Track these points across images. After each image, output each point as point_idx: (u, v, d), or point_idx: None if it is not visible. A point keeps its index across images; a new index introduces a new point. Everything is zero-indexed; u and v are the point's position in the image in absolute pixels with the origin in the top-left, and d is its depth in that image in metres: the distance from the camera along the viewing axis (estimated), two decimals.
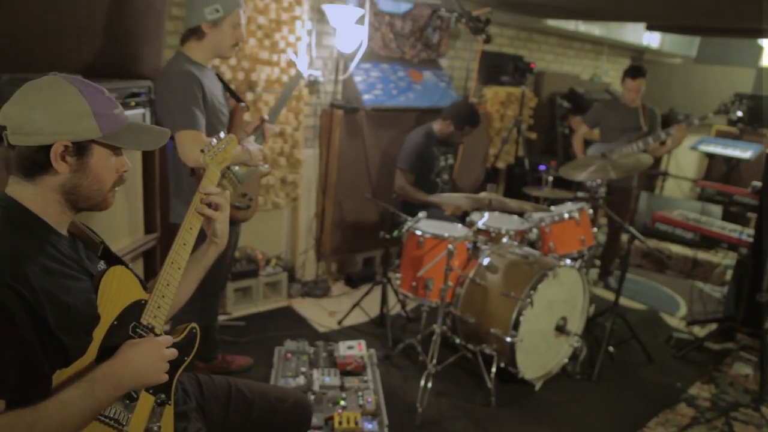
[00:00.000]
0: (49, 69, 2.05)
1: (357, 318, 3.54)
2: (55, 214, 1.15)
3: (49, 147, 1.09)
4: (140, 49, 2.57)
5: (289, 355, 2.81)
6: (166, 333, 1.29)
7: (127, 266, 1.26)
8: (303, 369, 2.70)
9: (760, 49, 6.77)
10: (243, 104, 2.50)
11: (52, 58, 2.24)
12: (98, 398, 1.08)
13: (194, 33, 2.29)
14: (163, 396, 1.28)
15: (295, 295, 3.80)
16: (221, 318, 3.29)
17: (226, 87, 2.50)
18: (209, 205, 1.40)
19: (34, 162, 1.10)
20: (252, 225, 3.39)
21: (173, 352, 1.25)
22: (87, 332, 1.13)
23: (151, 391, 1.25)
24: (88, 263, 1.21)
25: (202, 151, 1.45)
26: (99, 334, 1.14)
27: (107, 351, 1.15)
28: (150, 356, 1.18)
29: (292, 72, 2.92)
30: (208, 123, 2.26)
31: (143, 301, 1.25)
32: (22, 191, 1.13)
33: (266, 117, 2.58)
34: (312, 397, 2.49)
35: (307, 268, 4.04)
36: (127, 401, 1.19)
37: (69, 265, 1.13)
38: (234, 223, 2.49)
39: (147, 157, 2.69)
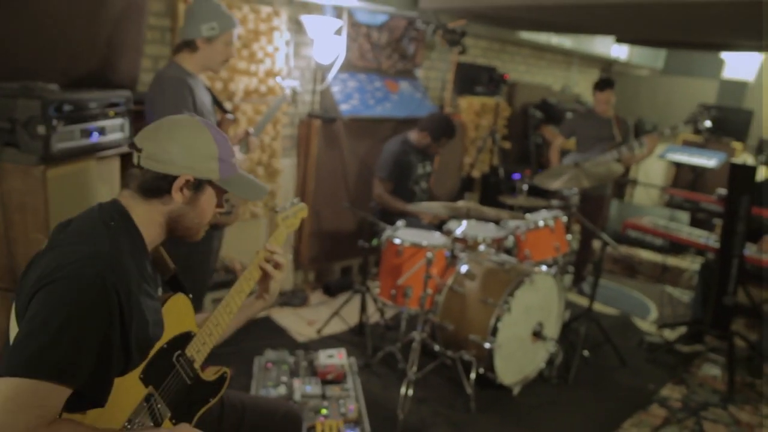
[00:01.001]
0: (26, 77, 2.05)
1: (336, 327, 3.55)
2: (153, 234, 1.26)
3: (173, 177, 1.22)
4: (119, 59, 2.56)
5: (269, 364, 2.81)
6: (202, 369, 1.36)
7: (189, 297, 1.32)
8: (284, 378, 2.70)
9: (721, 62, 7.03)
10: (231, 116, 2.56)
11: (28, 66, 2.22)
12: None
13: (188, 45, 2.36)
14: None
15: (274, 304, 3.79)
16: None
17: (214, 99, 2.55)
18: (270, 262, 1.48)
19: (156, 186, 1.22)
20: (230, 235, 3.39)
21: None
22: (149, 349, 1.19)
23: (173, 421, 1.28)
24: (156, 285, 1.29)
25: (276, 211, 1.56)
26: (149, 354, 1.20)
27: (149, 371, 1.20)
28: None
29: (285, 93, 3.02)
30: None
31: (192, 334, 1.32)
32: (135, 206, 1.23)
33: (251, 130, 2.62)
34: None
35: (285, 278, 4.02)
36: None
37: (149, 284, 1.21)
38: (217, 227, 2.51)
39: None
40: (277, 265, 1.49)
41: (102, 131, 2.27)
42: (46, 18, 2.24)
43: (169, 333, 1.24)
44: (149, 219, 1.24)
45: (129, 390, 1.17)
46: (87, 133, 2.19)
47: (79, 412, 1.07)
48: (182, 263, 1.46)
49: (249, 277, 1.45)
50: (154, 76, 2.37)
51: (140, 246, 1.22)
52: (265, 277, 1.50)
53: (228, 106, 3.30)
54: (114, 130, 2.34)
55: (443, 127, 3.72)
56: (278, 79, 3.38)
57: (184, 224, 1.28)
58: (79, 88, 2.29)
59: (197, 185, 1.25)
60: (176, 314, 1.27)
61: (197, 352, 1.32)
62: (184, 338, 1.29)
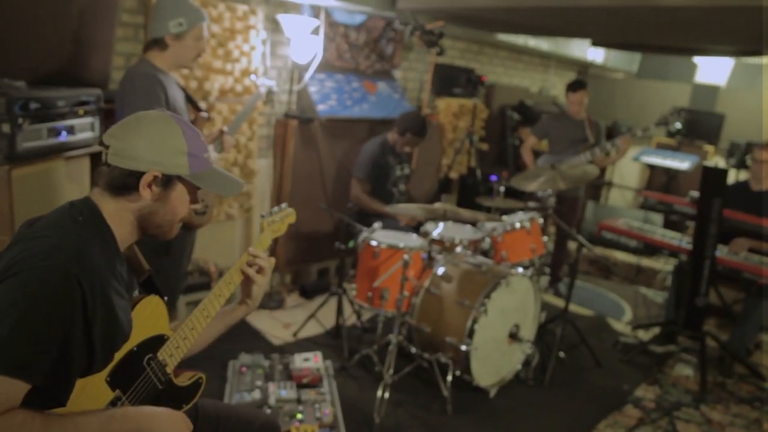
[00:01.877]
0: None
1: (312, 330, 3.51)
2: (124, 233, 1.23)
3: (140, 173, 1.18)
4: (89, 56, 2.50)
5: (243, 368, 2.77)
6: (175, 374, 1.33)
7: (164, 300, 1.29)
8: (258, 383, 2.66)
9: (694, 66, 7.16)
10: (205, 114, 2.52)
11: None
12: None
13: (157, 43, 2.31)
14: None
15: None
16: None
17: (187, 96, 2.50)
18: (252, 267, 1.45)
19: (124, 183, 1.19)
20: (205, 236, 3.34)
21: (190, 427, 1.26)
22: (115, 349, 1.16)
23: None
24: (131, 286, 1.26)
25: (262, 216, 1.54)
26: (118, 356, 1.17)
27: (116, 374, 1.17)
28: (175, 426, 1.20)
29: (259, 91, 2.98)
30: None
31: (166, 337, 1.29)
32: (105, 204, 1.20)
33: (226, 128, 2.58)
34: (268, 411, 2.45)
35: None
36: None
37: (120, 282, 1.18)
38: (189, 228, 2.47)
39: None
40: (260, 270, 1.46)
41: (71, 130, 2.21)
42: (13, 14, 2.18)
43: (140, 335, 1.21)
44: (119, 217, 1.21)
45: (95, 393, 1.14)
46: (55, 132, 2.13)
47: (39, 410, 1.04)
48: (154, 265, 1.42)
49: (229, 281, 1.42)
50: (124, 73, 2.31)
51: (111, 243, 1.19)
52: (248, 281, 1.46)
53: (203, 105, 3.24)
54: (83, 129, 2.29)
55: (409, 123, 3.70)
56: (253, 77, 3.33)
57: (155, 222, 1.25)
58: (47, 86, 2.23)
59: (166, 181, 1.22)
60: (149, 316, 1.24)
61: (170, 356, 1.29)
62: (157, 341, 1.26)
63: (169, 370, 1.30)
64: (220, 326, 1.49)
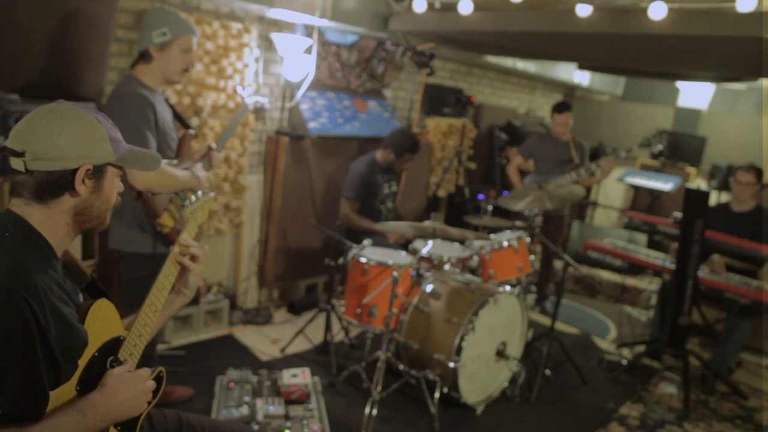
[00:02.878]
0: None
1: (300, 346, 3.51)
2: (59, 237, 1.19)
3: (72, 171, 1.15)
4: (83, 70, 2.52)
5: (231, 384, 2.76)
6: None
7: (111, 301, 1.28)
8: (246, 398, 2.66)
9: (677, 90, 7.34)
10: (192, 131, 2.49)
11: None
12: (87, 427, 1.12)
13: (142, 57, 2.27)
14: None
15: (237, 322, 3.73)
16: (160, 347, 3.19)
17: (174, 113, 2.48)
18: (186, 256, 1.48)
19: (56, 186, 1.15)
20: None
21: (153, 385, 1.29)
22: (78, 357, 1.15)
23: (119, 428, 1.25)
24: (73, 292, 1.23)
25: (184, 205, 1.54)
26: (81, 362, 1.17)
27: (85, 381, 1.17)
28: (135, 389, 1.22)
29: (240, 100, 2.97)
30: (158, 148, 2.24)
31: (122, 338, 1.28)
32: (31, 213, 1.16)
33: (214, 145, 2.57)
34: (256, 427, 2.44)
35: (249, 295, 3.98)
36: None
37: (64, 290, 1.16)
38: (171, 243, 2.43)
39: None
40: (193, 258, 1.49)
41: None
42: (7, 29, 2.20)
43: (98, 339, 1.21)
44: (51, 222, 1.17)
45: (65, 401, 1.15)
46: None
47: (17, 425, 1.04)
48: (145, 285, 1.42)
49: (168, 273, 1.44)
50: (111, 92, 2.26)
51: (46, 251, 1.16)
52: (183, 271, 1.49)
53: (195, 121, 3.27)
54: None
55: (405, 142, 3.77)
56: (239, 89, 3.28)
57: (92, 214, 1.23)
58: (41, 100, 2.24)
59: (97, 172, 1.20)
60: (102, 320, 1.23)
61: (130, 355, 1.29)
62: (114, 343, 1.26)
63: (132, 369, 1.29)
64: (162, 319, 1.49)
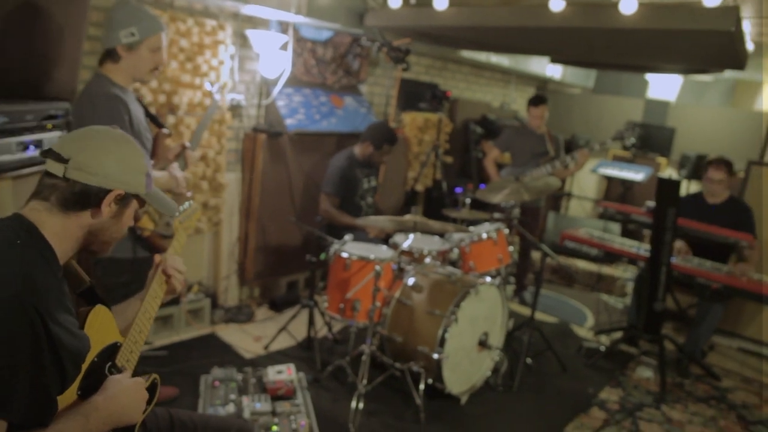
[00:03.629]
0: None
1: (283, 342, 3.51)
2: (66, 248, 1.20)
3: (106, 191, 1.20)
4: (55, 69, 2.47)
5: (216, 383, 2.75)
6: None
7: (109, 308, 1.29)
8: (232, 396, 2.65)
9: (646, 82, 7.50)
10: (165, 130, 2.45)
11: None
12: (90, 430, 1.13)
13: (109, 55, 2.21)
14: None
15: (219, 321, 3.71)
16: (142, 348, 3.15)
17: (146, 112, 2.43)
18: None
19: (86, 200, 1.18)
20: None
21: (146, 395, 1.30)
22: (82, 363, 1.16)
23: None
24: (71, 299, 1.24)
25: (175, 217, 1.59)
26: (84, 367, 1.17)
27: (85, 387, 1.18)
28: (134, 394, 1.24)
29: (215, 99, 2.93)
30: None
31: (119, 344, 1.30)
32: (47, 219, 1.17)
33: (188, 144, 2.54)
34: None
35: (229, 294, 3.96)
36: None
37: (65, 298, 1.16)
38: (157, 251, 2.42)
39: None
40: (178, 271, 1.54)
41: (39, 144, 2.18)
42: None
43: (97, 345, 1.22)
44: (65, 233, 1.18)
45: (70, 405, 1.15)
46: (23, 147, 2.10)
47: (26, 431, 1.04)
48: (124, 290, 1.43)
49: (160, 281, 1.50)
50: (82, 91, 2.19)
51: (52, 261, 1.16)
52: (169, 279, 1.53)
53: (171, 119, 3.23)
54: (52, 143, 2.25)
55: (384, 134, 3.79)
56: (207, 85, 3.17)
57: (102, 238, 1.26)
58: (11, 100, 2.20)
59: (125, 199, 1.25)
60: (100, 326, 1.24)
61: (127, 361, 1.31)
62: (112, 349, 1.27)
63: (129, 375, 1.30)
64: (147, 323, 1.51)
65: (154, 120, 2.47)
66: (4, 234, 1.11)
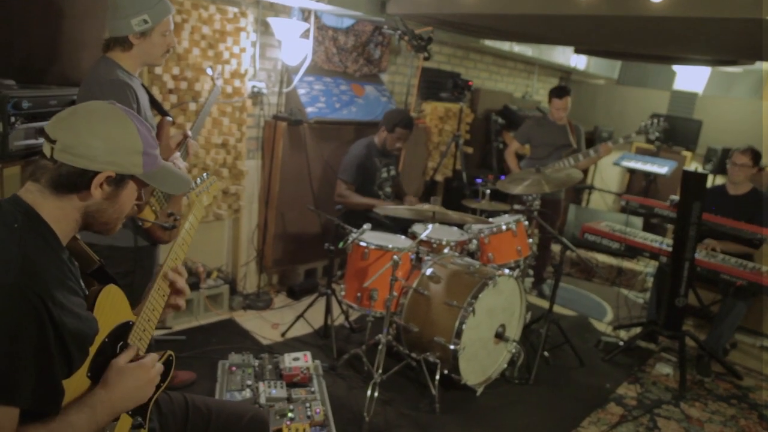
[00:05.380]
0: None
1: (300, 330, 3.53)
2: (66, 229, 1.18)
3: (93, 173, 1.13)
4: (78, 55, 2.50)
5: (233, 368, 2.78)
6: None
7: (119, 287, 1.27)
8: (248, 382, 2.68)
9: (673, 73, 7.33)
10: (169, 118, 2.41)
11: None
12: (98, 422, 1.14)
13: (119, 43, 2.13)
14: (139, 419, 1.28)
15: (237, 307, 3.75)
16: (160, 333, 3.21)
17: (151, 99, 2.38)
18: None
19: (73, 182, 1.13)
20: (194, 237, 3.33)
21: (160, 369, 1.28)
22: (89, 346, 1.15)
23: (130, 413, 1.26)
24: (78, 280, 1.21)
25: (192, 188, 1.54)
26: (92, 349, 1.16)
27: (96, 367, 1.17)
28: (139, 378, 1.22)
29: (217, 85, 2.85)
30: None
31: (131, 323, 1.28)
32: (43, 202, 1.14)
33: (189, 133, 2.52)
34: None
35: (248, 280, 3.99)
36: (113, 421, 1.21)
37: (71, 279, 1.14)
38: (155, 244, 2.40)
39: None
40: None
41: None
42: (2, 14, 2.17)
43: (108, 325, 1.20)
44: (62, 215, 1.15)
45: (78, 389, 1.15)
46: None
47: (39, 422, 1.04)
48: (124, 281, 1.41)
49: (174, 257, 1.47)
50: (87, 76, 2.13)
51: (53, 243, 1.13)
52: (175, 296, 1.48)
53: (192, 106, 3.25)
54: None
55: (396, 118, 3.78)
56: (208, 70, 3.03)
57: (101, 219, 1.21)
58: (36, 85, 2.22)
59: (119, 180, 1.18)
60: (111, 305, 1.22)
61: (139, 339, 1.29)
62: (124, 328, 1.26)
63: (141, 353, 1.29)
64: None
65: (159, 107, 2.41)
66: (2, 218, 1.09)
